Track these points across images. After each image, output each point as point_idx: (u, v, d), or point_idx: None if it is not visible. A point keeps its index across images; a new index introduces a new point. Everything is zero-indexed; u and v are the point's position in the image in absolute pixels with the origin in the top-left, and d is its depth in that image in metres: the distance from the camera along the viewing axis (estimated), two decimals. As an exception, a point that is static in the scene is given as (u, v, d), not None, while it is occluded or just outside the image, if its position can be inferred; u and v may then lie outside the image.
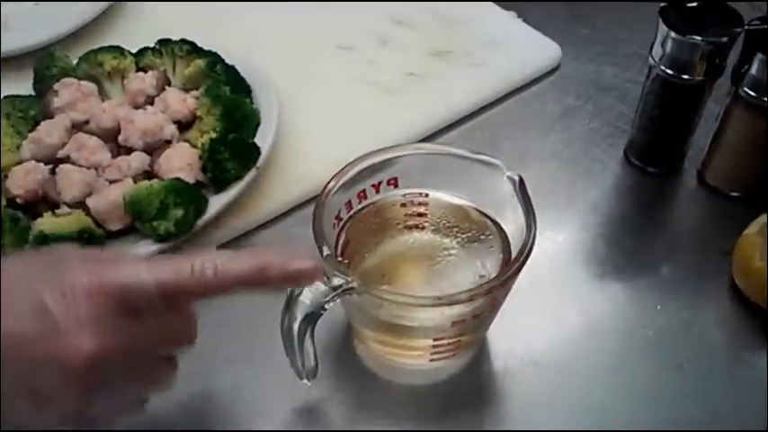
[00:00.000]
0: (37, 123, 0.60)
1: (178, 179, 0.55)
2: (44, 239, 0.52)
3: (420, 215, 0.51)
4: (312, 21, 0.77)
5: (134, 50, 0.66)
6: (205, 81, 0.62)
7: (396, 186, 0.50)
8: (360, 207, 0.50)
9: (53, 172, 0.57)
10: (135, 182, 0.56)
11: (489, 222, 0.50)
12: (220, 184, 0.57)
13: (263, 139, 0.59)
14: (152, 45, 0.66)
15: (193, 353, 0.42)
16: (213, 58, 0.64)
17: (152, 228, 0.53)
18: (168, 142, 0.59)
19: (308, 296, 0.42)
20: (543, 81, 0.72)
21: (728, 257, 0.55)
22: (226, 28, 0.74)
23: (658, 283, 0.56)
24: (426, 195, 0.50)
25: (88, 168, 0.57)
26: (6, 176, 0.57)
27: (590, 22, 0.78)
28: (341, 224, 0.48)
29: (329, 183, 0.46)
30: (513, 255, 0.45)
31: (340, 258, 0.46)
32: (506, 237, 0.48)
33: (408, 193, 0.50)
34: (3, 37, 0.71)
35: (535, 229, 0.44)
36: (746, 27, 0.54)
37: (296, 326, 0.43)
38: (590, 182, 0.63)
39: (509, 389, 0.51)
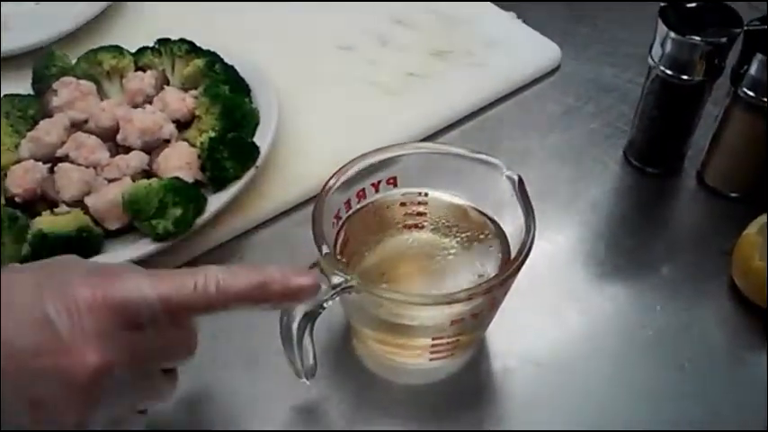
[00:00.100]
0: (36, 122, 0.60)
1: (177, 178, 0.55)
2: (43, 238, 0.52)
3: (419, 214, 0.51)
4: (312, 20, 0.77)
5: (133, 50, 0.66)
6: (204, 80, 0.62)
7: (395, 186, 0.50)
8: (359, 206, 0.49)
9: (52, 171, 0.57)
10: (134, 181, 0.56)
11: (488, 222, 0.50)
12: (219, 184, 0.57)
13: (262, 139, 0.59)
14: (151, 45, 0.66)
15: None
16: (212, 57, 0.64)
17: (151, 227, 0.53)
18: (167, 141, 0.59)
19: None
20: (543, 81, 0.72)
21: (728, 257, 0.55)
22: (225, 28, 0.74)
23: (658, 283, 0.56)
24: (426, 195, 0.50)
25: (87, 167, 0.57)
26: (5, 175, 0.56)
27: (590, 22, 0.78)
28: (340, 223, 0.48)
29: (329, 181, 0.46)
30: (513, 254, 0.45)
31: (339, 257, 0.46)
32: (505, 236, 0.48)
33: (407, 193, 0.50)
34: (2, 37, 0.71)
35: (534, 229, 0.44)
36: (746, 27, 0.54)
37: (295, 325, 0.43)
38: (590, 182, 0.63)
39: (508, 388, 0.51)
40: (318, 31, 0.75)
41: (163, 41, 0.66)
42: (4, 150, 0.59)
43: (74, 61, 0.65)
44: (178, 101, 0.61)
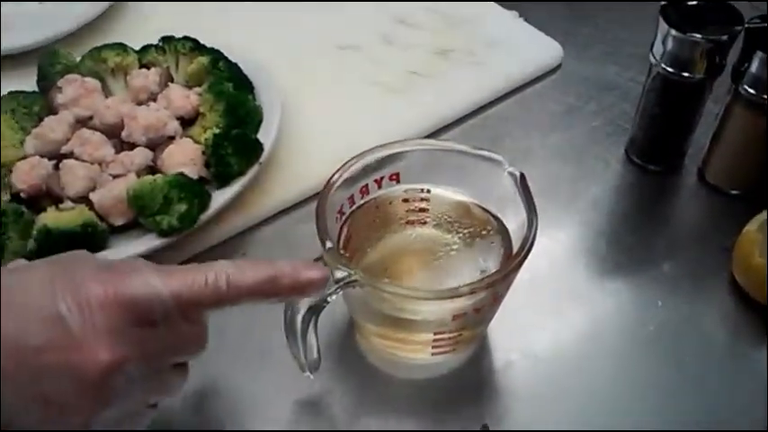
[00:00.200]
0: (41, 119, 0.61)
1: (181, 174, 0.55)
2: (48, 234, 0.52)
3: (422, 210, 0.51)
4: (315, 19, 0.77)
5: (137, 48, 0.66)
6: (208, 78, 0.63)
7: (398, 182, 0.50)
8: (362, 202, 0.50)
9: (57, 167, 0.57)
10: (138, 177, 0.56)
11: (491, 218, 0.50)
12: (223, 180, 0.57)
13: (265, 136, 0.60)
14: (155, 42, 0.67)
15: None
16: (216, 55, 0.64)
17: (155, 222, 0.53)
18: (171, 138, 0.60)
19: (310, 294, 0.42)
20: (545, 80, 0.73)
21: (729, 254, 0.55)
22: (227, 28, 0.75)
23: (659, 279, 0.56)
24: (428, 191, 0.51)
25: (92, 164, 0.57)
26: (11, 171, 0.57)
27: (591, 21, 0.79)
28: (343, 219, 0.49)
29: (332, 177, 0.47)
30: (515, 250, 0.45)
31: (342, 252, 0.47)
32: (507, 232, 0.49)
33: (410, 189, 0.51)
34: (8, 35, 0.72)
35: (536, 224, 0.45)
36: (746, 25, 0.54)
37: (299, 319, 0.43)
38: (591, 180, 0.64)
39: (510, 384, 0.51)
40: (321, 30, 0.76)
41: (167, 39, 0.66)
42: (10, 147, 0.59)
43: (78, 59, 0.66)
44: (182, 98, 0.61)
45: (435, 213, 0.51)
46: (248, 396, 0.50)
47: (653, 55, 0.57)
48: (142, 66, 0.65)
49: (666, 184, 0.63)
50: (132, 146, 0.59)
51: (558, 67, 0.73)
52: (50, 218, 0.53)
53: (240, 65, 0.64)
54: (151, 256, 0.53)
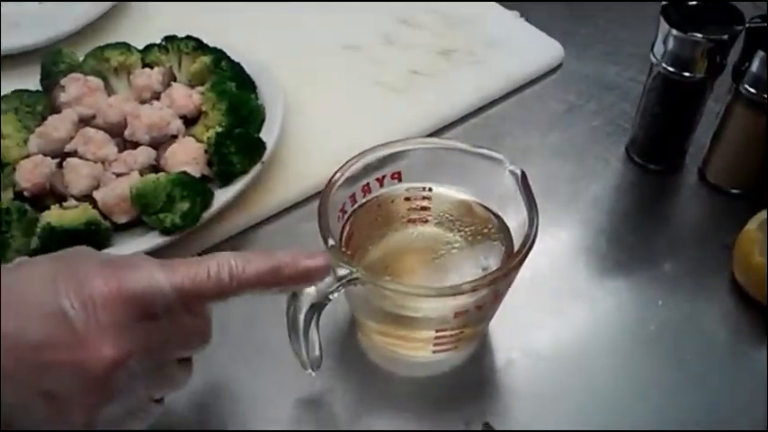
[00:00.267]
0: (44, 118, 0.61)
1: (184, 173, 0.56)
2: (51, 231, 0.52)
3: (423, 209, 0.51)
4: (317, 19, 0.78)
5: (140, 47, 0.67)
6: (211, 77, 0.63)
7: (399, 180, 0.50)
8: (364, 201, 0.50)
9: (60, 165, 0.58)
10: (141, 175, 0.56)
11: (492, 216, 0.50)
12: (226, 178, 0.57)
13: (268, 135, 0.60)
14: (157, 42, 0.67)
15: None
16: (219, 54, 0.65)
17: (158, 220, 0.54)
18: (174, 137, 0.60)
19: (313, 286, 0.42)
20: (545, 80, 0.73)
21: (729, 253, 0.56)
22: (230, 27, 0.75)
23: (660, 278, 0.57)
24: (429, 189, 0.51)
25: (95, 162, 0.58)
26: (14, 170, 0.57)
27: (592, 21, 0.79)
28: (345, 217, 0.49)
29: (335, 175, 0.47)
30: (516, 248, 0.46)
31: (344, 250, 0.47)
32: (509, 231, 0.49)
33: (411, 187, 0.51)
34: (11, 34, 0.72)
35: (537, 222, 0.45)
36: (747, 25, 0.55)
37: (301, 316, 0.43)
38: (592, 179, 0.64)
39: (511, 382, 0.51)
40: (324, 30, 0.76)
41: (170, 38, 0.66)
42: (14, 145, 0.59)
43: (81, 58, 0.66)
44: (185, 97, 0.62)
45: (437, 212, 0.51)
46: (250, 394, 0.50)
47: (654, 54, 0.57)
48: (145, 65, 0.66)
49: (667, 183, 0.64)
50: (135, 144, 0.59)
51: (559, 66, 0.74)
52: (54, 216, 0.53)
53: (243, 64, 0.64)
54: (154, 254, 0.52)
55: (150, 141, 0.59)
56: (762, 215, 0.54)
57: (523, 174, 0.47)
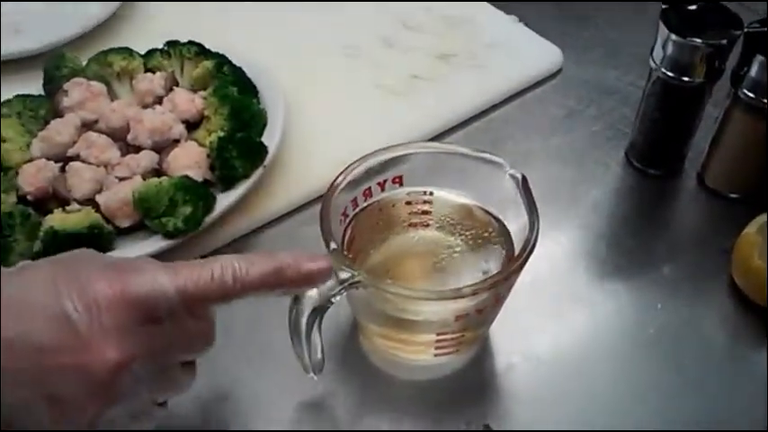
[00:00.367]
0: (47, 122, 0.61)
1: (187, 177, 0.56)
2: (54, 235, 0.52)
3: (424, 213, 0.52)
4: (318, 23, 0.78)
5: (142, 52, 0.67)
6: (213, 82, 0.63)
7: (401, 185, 0.51)
8: (365, 205, 0.50)
9: (63, 170, 0.58)
10: (144, 179, 0.57)
11: (493, 220, 0.50)
12: (228, 183, 0.58)
13: (269, 139, 0.60)
14: (160, 47, 0.67)
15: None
16: (221, 59, 0.65)
17: (161, 224, 0.54)
18: (176, 141, 0.60)
19: (315, 290, 0.43)
20: (545, 84, 0.73)
21: (728, 257, 0.56)
22: (232, 31, 0.75)
23: (659, 282, 0.57)
24: (431, 194, 0.51)
25: (98, 166, 0.58)
26: (17, 174, 0.57)
27: (592, 26, 0.79)
28: (347, 221, 0.49)
29: (337, 179, 0.47)
30: (517, 252, 0.46)
31: (346, 254, 0.47)
32: (509, 234, 0.49)
33: (413, 192, 0.51)
34: (14, 40, 0.72)
35: (538, 226, 0.45)
36: (746, 29, 0.55)
37: (303, 319, 0.43)
38: (592, 183, 0.64)
39: (511, 385, 0.51)
40: (324, 34, 0.76)
41: (172, 44, 0.67)
42: (17, 150, 0.59)
43: (84, 63, 0.66)
44: (187, 102, 0.62)
45: (438, 216, 0.52)
46: (252, 396, 0.50)
47: (653, 59, 0.58)
48: (147, 70, 0.66)
49: (666, 187, 0.64)
50: (138, 149, 0.60)
51: (559, 71, 0.74)
52: (57, 220, 0.54)
53: (245, 68, 0.65)
54: (156, 258, 0.52)
55: (153, 146, 0.60)
56: (761, 219, 0.54)
57: (524, 178, 0.47)
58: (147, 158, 0.58)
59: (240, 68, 0.65)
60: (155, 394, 0.41)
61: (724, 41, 0.55)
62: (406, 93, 0.70)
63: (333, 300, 0.43)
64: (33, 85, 0.65)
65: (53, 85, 0.64)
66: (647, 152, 0.64)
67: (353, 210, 0.50)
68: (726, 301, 0.56)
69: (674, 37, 0.55)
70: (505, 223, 0.50)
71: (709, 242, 0.59)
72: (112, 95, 0.64)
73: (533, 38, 0.76)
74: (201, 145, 0.59)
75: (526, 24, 0.78)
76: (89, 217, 0.54)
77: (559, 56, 0.74)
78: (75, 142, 0.59)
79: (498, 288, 0.44)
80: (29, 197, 0.57)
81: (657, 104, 0.60)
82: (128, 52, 0.66)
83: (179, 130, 0.60)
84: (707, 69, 0.56)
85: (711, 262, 0.57)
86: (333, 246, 0.44)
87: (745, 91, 0.56)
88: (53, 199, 0.57)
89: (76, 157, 0.59)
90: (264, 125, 0.62)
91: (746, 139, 0.58)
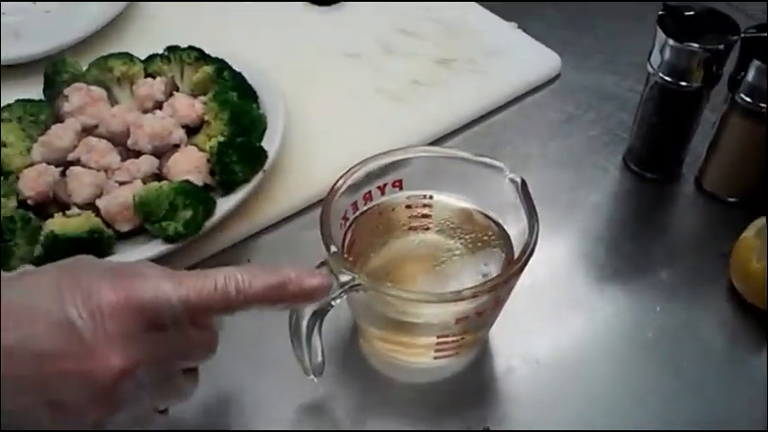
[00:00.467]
0: (47, 127, 0.61)
1: (187, 181, 0.56)
2: (55, 239, 0.52)
3: (424, 216, 0.52)
4: (318, 29, 0.78)
5: (142, 57, 0.67)
6: (212, 87, 0.64)
7: (400, 188, 0.51)
8: (365, 208, 0.50)
9: (63, 174, 0.58)
10: (144, 184, 0.57)
11: (492, 224, 0.51)
12: (228, 187, 0.58)
13: (269, 144, 0.60)
14: (160, 52, 0.68)
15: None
16: (221, 64, 0.65)
17: (161, 228, 0.54)
18: (176, 146, 0.60)
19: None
20: (544, 90, 0.74)
21: (727, 260, 0.56)
22: (233, 36, 0.76)
23: (657, 285, 0.57)
24: (431, 197, 0.51)
25: (98, 171, 0.58)
26: (18, 178, 0.58)
27: (590, 32, 0.80)
28: (347, 225, 0.49)
29: (336, 183, 0.47)
30: (516, 255, 0.46)
31: (346, 257, 0.47)
32: (509, 238, 0.49)
33: (412, 195, 0.51)
34: (14, 44, 0.73)
35: (538, 229, 0.45)
36: (743, 35, 0.55)
37: (304, 323, 0.44)
38: (590, 188, 0.64)
39: (511, 389, 0.52)
40: (325, 39, 0.77)
41: (172, 49, 0.67)
42: (17, 154, 0.60)
43: (84, 68, 0.66)
44: (187, 107, 0.62)
45: (438, 219, 0.52)
46: (253, 399, 0.50)
47: (650, 64, 0.58)
48: (148, 75, 0.66)
49: (664, 191, 0.64)
50: (138, 154, 0.60)
51: (557, 76, 0.74)
52: (57, 224, 0.54)
53: (245, 74, 0.65)
54: (157, 262, 0.52)
55: (153, 150, 0.60)
56: (759, 222, 0.54)
57: (523, 182, 0.47)
58: (147, 163, 0.58)
59: (240, 73, 0.65)
60: (157, 401, 0.41)
61: (721, 46, 0.55)
62: (407, 98, 0.71)
63: (333, 303, 0.43)
64: (34, 90, 0.66)
65: (53, 90, 0.64)
66: (646, 156, 0.64)
67: (354, 213, 0.50)
68: (724, 304, 0.56)
69: (671, 42, 0.55)
70: (505, 227, 0.50)
71: (707, 246, 0.59)
72: (113, 100, 0.65)
73: (532, 44, 0.76)
74: (201, 150, 0.60)
75: (525, 31, 0.78)
76: (89, 221, 0.54)
77: (558, 61, 0.74)
78: (75, 147, 0.60)
79: (498, 291, 0.44)
80: (29, 201, 0.57)
81: (655, 109, 0.60)
82: (128, 57, 0.66)
83: (179, 134, 0.61)
84: (704, 74, 0.56)
85: (710, 266, 0.58)
86: (333, 249, 0.44)
87: (743, 96, 0.56)
88: (53, 203, 0.57)
89: (77, 162, 0.59)
90: (264, 130, 0.62)
91: (744, 144, 0.59)
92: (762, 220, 0.54)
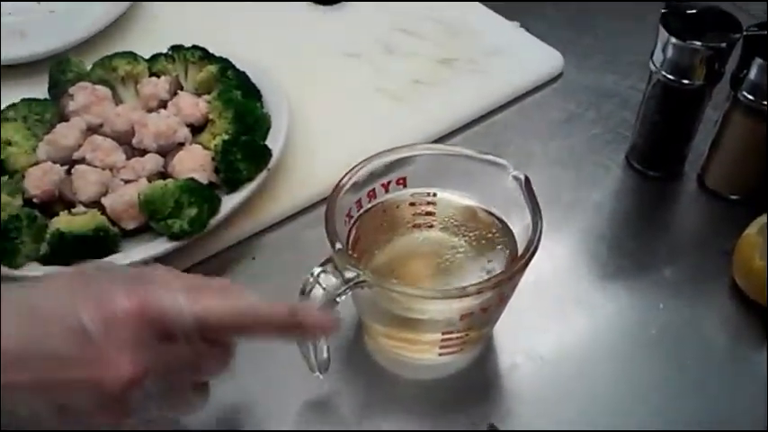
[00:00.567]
0: (53, 126, 0.62)
1: (192, 179, 0.56)
2: (61, 237, 0.53)
3: (428, 214, 0.52)
4: (320, 28, 0.79)
5: (146, 57, 0.67)
6: (217, 86, 0.64)
7: (405, 186, 0.51)
8: (369, 206, 0.51)
9: (69, 173, 0.58)
10: (150, 182, 0.57)
11: (496, 221, 0.51)
12: (233, 185, 0.58)
13: (273, 142, 0.61)
14: (164, 51, 0.68)
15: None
16: (225, 63, 0.65)
17: (166, 226, 0.54)
18: (181, 145, 0.61)
19: (321, 289, 0.43)
20: (546, 88, 0.74)
21: (729, 258, 0.56)
22: (236, 36, 0.76)
23: (660, 283, 0.57)
24: (434, 195, 0.52)
25: (103, 169, 0.58)
26: (24, 177, 0.58)
27: (591, 31, 0.80)
28: (351, 222, 0.50)
29: (341, 180, 0.48)
30: (520, 252, 0.46)
31: (350, 254, 0.48)
32: (513, 235, 0.50)
33: (417, 193, 0.52)
34: (19, 44, 0.73)
35: (541, 226, 0.46)
36: (745, 33, 0.56)
37: (309, 319, 0.44)
38: (593, 186, 0.65)
39: (515, 386, 0.52)
40: (325, 39, 0.77)
41: (176, 48, 0.67)
42: (23, 153, 0.60)
43: (89, 67, 0.67)
44: (192, 105, 0.62)
45: (442, 217, 0.52)
46: (258, 396, 0.51)
47: (653, 62, 0.58)
48: (152, 74, 0.66)
49: (667, 189, 0.64)
50: (143, 152, 0.60)
51: (559, 75, 0.75)
52: (63, 222, 0.54)
53: (248, 73, 0.65)
54: (162, 259, 0.54)
55: (158, 149, 0.60)
56: (761, 220, 0.55)
57: (527, 179, 0.48)
58: (152, 161, 0.59)
59: (244, 72, 0.65)
60: (164, 412, 0.41)
61: (723, 44, 0.55)
62: (407, 97, 0.71)
63: (338, 299, 0.44)
64: (39, 90, 0.66)
65: (58, 90, 0.65)
66: (648, 154, 0.64)
67: (358, 211, 0.50)
68: (727, 302, 0.56)
69: (673, 40, 0.56)
70: (509, 224, 0.50)
71: (709, 243, 0.60)
72: (117, 99, 0.65)
73: (534, 43, 0.77)
74: (206, 148, 0.60)
75: (527, 30, 0.78)
76: (95, 219, 0.54)
77: (560, 60, 0.75)
78: (80, 146, 0.60)
79: (502, 287, 0.45)
80: (35, 200, 0.57)
81: (658, 107, 0.60)
82: (132, 57, 0.66)
83: (184, 133, 0.61)
84: (707, 72, 0.57)
85: (712, 263, 0.58)
86: (338, 246, 0.44)
87: (745, 93, 0.56)
88: (59, 202, 0.58)
89: (82, 161, 0.59)
90: (268, 128, 0.62)
91: (746, 142, 0.59)
92: (764, 218, 0.54)
